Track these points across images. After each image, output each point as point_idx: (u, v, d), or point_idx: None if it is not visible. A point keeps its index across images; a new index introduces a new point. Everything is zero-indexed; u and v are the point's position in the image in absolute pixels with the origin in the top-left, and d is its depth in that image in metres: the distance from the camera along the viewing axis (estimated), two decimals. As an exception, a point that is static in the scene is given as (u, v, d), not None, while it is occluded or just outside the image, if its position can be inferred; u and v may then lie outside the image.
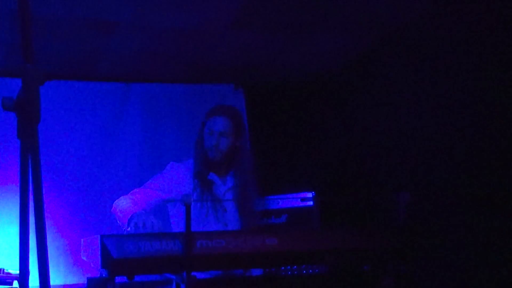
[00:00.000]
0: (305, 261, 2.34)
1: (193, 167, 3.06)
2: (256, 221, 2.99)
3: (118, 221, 2.80)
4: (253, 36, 3.87)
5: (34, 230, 1.32)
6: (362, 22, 3.68)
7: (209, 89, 4.73)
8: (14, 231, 3.95)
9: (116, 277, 1.97)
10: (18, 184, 1.33)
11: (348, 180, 4.37)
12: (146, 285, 2.21)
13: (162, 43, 3.92)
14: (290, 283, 2.39)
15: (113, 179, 4.40)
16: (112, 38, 3.78)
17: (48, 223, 3.51)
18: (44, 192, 1.33)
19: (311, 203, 2.92)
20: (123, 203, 2.85)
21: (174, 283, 2.09)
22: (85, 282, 2.08)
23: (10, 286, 2.89)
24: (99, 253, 1.95)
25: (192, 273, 1.99)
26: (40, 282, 1.31)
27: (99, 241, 1.95)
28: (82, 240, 2.32)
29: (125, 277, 1.99)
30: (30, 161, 1.31)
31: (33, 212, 1.32)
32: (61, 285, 4.07)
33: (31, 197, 1.31)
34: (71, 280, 4.09)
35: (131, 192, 3.00)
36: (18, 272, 1.34)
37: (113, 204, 2.90)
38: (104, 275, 1.99)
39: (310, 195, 2.96)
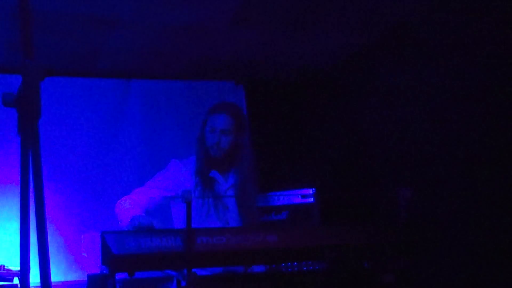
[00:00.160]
0: (306, 258, 2.34)
1: (194, 165, 3.06)
2: (257, 218, 3.00)
3: (119, 223, 2.81)
4: (253, 33, 3.86)
5: (34, 226, 1.32)
6: (362, 19, 3.67)
7: (210, 86, 4.73)
8: (14, 227, 3.95)
9: (117, 274, 1.97)
10: (19, 181, 1.33)
11: (348, 177, 4.37)
12: (146, 282, 2.21)
13: (163, 40, 3.91)
14: (291, 280, 2.39)
15: (113, 176, 4.40)
16: (112, 35, 3.77)
17: (48, 220, 3.50)
18: (44, 189, 1.32)
19: (311, 199, 2.92)
20: (124, 205, 2.86)
21: (174, 279, 2.09)
22: (86, 279, 2.08)
23: (11, 283, 2.89)
24: (100, 249, 1.95)
25: (193, 270, 2.00)
26: (41, 279, 1.31)
27: (99, 237, 1.95)
28: (82, 236, 2.33)
29: (125, 274, 1.99)
30: (30, 157, 1.31)
31: (34, 209, 1.31)
32: (61, 281, 4.07)
33: (31, 193, 1.31)
34: (72, 276, 4.08)
35: (133, 192, 3.01)
36: (18, 268, 1.33)
37: (116, 205, 2.91)
38: (104, 272, 1.99)
39: (310, 191, 2.96)
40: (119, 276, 1.99)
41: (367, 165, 4.24)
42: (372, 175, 4.15)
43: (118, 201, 2.93)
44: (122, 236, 1.97)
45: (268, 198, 3.06)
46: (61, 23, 3.54)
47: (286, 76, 4.74)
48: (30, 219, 1.31)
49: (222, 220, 3.00)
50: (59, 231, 4.14)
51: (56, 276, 4.00)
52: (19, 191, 1.32)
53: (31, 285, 1.36)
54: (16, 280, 2.86)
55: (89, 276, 2.05)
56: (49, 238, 1.34)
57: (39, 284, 1.34)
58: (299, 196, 2.98)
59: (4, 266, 2.89)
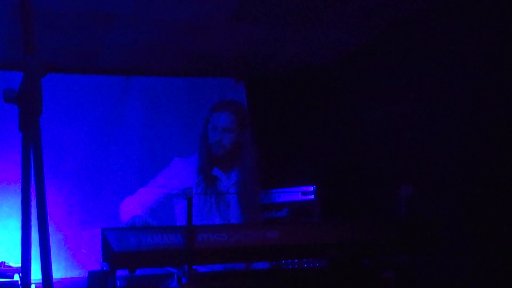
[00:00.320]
0: (306, 255, 2.34)
1: (197, 163, 3.06)
2: (258, 216, 3.00)
3: (122, 222, 2.83)
4: (254, 29, 3.85)
5: (35, 223, 1.32)
6: (363, 15, 3.67)
7: (210, 83, 4.72)
8: (15, 224, 3.95)
9: (117, 271, 1.97)
10: (19, 177, 1.33)
11: (349, 174, 4.37)
12: (147, 279, 2.21)
13: (163, 36, 3.91)
14: (291, 277, 2.39)
15: (114, 172, 4.40)
16: (113, 31, 3.77)
17: (49, 217, 3.50)
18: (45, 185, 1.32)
19: (312, 196, 2.92)
20: (127, 205, 2.88)
21: (175, 276, 2.09)
22: (86, 276, 2.08)
23: (11, 280, 2.89)
24: (100, 246, 1.95)
25: (194, 267, 1.99)
26: (43, 275, 1.31)
27: (100, 234, 1.95)
28: (83, 233, 2.33)
29: (126, 271, 1.99)
30: (32, 154, 1.31)
31: (35, 205, 1.31)
32: (62, 278, 4.07)
33: (33, 189, 1.31)
34: (72, 273, 4.09)
35: (137, 191, 3.02)
36: (19, 265, 1.33)
37: (120, 205, 2.93)
38: (105, 269, 1.98)
39: (311, 188, 2.96)
40: (120, 272, 1.99)
41: (367, 163, 4.24)
42: (372, 172, 4.15)
43: (122, 201, 2.94)
44: (123, 233, 1.96)
45: (269, 195, 3.07)
46: (62, 19, 3.54)
47: (287, 73, 4.74)
48: (31, 215, 1.31)
49: (223, 218, 3.00)
50: (59, 228, 4.14)
51: (56, 273, 3.97)
52: (20, 187, 1.32)
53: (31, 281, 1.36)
54: (16, 277, 2.87)
55: (89, 273, 2.05)
56: (50, 234, 1.34)
57: (39, 281, 1.34)
58: (300, 193, 2.99)
59: (4, 262, 2.89)
